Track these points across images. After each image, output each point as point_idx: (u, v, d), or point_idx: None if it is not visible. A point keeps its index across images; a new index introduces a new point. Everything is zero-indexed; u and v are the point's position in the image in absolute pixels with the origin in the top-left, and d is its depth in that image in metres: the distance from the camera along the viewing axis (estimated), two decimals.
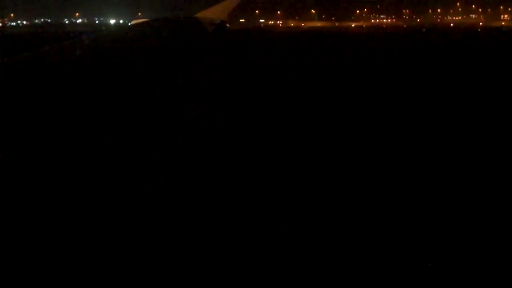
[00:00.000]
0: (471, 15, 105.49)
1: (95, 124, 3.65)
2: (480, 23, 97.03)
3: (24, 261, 2.15)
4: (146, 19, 5.82)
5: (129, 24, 6.09)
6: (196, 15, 5.93)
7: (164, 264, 2.63)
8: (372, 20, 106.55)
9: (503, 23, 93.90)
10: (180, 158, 4.08)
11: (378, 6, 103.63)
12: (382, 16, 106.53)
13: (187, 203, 3.53)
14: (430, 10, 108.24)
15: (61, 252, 2.29)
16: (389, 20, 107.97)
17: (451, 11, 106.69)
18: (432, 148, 7.77)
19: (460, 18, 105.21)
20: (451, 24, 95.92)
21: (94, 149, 3.19)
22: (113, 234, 2.60)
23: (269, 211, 3.90)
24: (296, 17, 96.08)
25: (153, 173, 3.53)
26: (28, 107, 3.20)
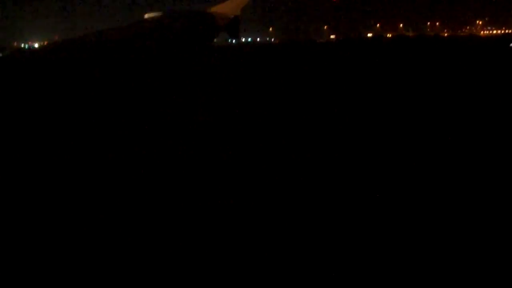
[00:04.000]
0: None
1: (98, 122, 3.71)
2: None
3: (24, 261, 2.20)
4: (159, 13, 5.89)
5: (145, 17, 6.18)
6: (208, 10, 5.91)
7: (164, 264, 2.61)
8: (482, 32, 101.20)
9: None
10: (182, 158, 4.05)
11: (486, 19, 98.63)
12: (489, 28, 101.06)
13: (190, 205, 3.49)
14: None
15: (61, 252, 2.33)
16: (499, 31, 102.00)
17: None
18: None
19: None
20: None
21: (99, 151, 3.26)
22: (113, 234, 2.63)
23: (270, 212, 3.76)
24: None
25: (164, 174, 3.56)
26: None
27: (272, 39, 60.97)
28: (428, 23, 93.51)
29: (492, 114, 10.19)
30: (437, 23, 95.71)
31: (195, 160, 4.25)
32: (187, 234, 3.05)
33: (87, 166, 2.94)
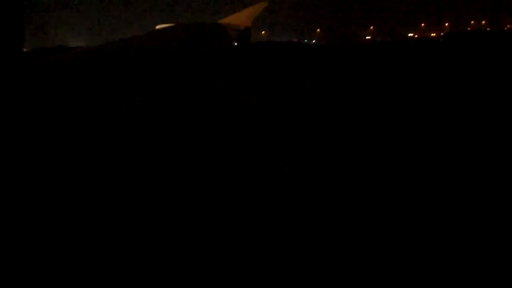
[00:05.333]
0: None
1: (106, 129, 3.75)
2: None
3: (24, 261, 2.23)
4: (170, 24, 5.89)
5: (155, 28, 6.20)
6: (219, 21, 5.87)
7: (164, 264, 2.61)
8: None
9: None
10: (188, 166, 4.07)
11: None
12: None
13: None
14: None
15: (61, 252, 2.36)
16: None
17: None
18: None
19: None
20: None
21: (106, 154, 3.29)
22: (113, 235, 2.64)
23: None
24: None
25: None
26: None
27: (313, 41, 59.55)
28: (472, 21, 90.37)
29: None
30: (483, 22, 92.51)
31: (212, 163, 4.20)
32: (187, 234, 2.99)
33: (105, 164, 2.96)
